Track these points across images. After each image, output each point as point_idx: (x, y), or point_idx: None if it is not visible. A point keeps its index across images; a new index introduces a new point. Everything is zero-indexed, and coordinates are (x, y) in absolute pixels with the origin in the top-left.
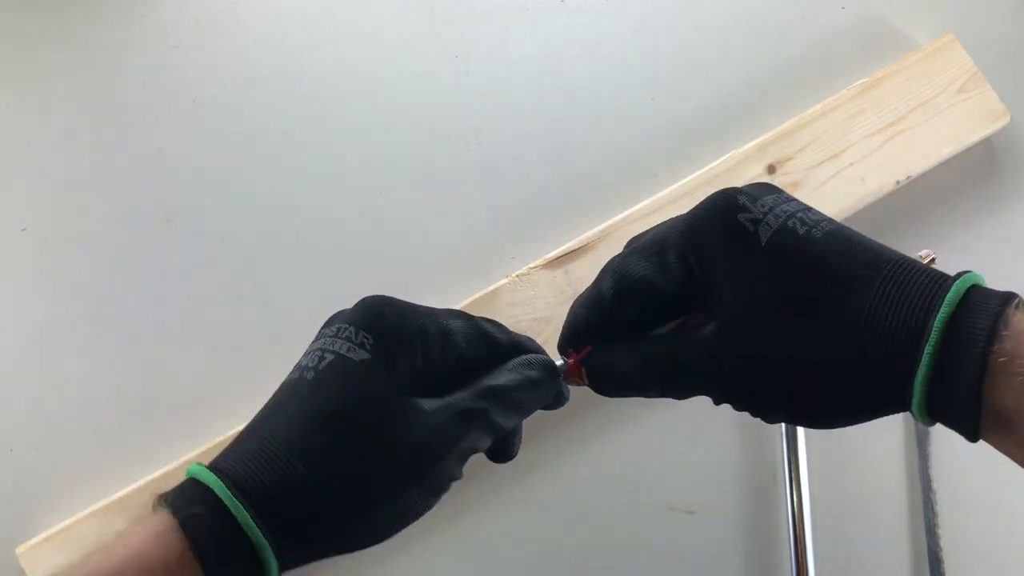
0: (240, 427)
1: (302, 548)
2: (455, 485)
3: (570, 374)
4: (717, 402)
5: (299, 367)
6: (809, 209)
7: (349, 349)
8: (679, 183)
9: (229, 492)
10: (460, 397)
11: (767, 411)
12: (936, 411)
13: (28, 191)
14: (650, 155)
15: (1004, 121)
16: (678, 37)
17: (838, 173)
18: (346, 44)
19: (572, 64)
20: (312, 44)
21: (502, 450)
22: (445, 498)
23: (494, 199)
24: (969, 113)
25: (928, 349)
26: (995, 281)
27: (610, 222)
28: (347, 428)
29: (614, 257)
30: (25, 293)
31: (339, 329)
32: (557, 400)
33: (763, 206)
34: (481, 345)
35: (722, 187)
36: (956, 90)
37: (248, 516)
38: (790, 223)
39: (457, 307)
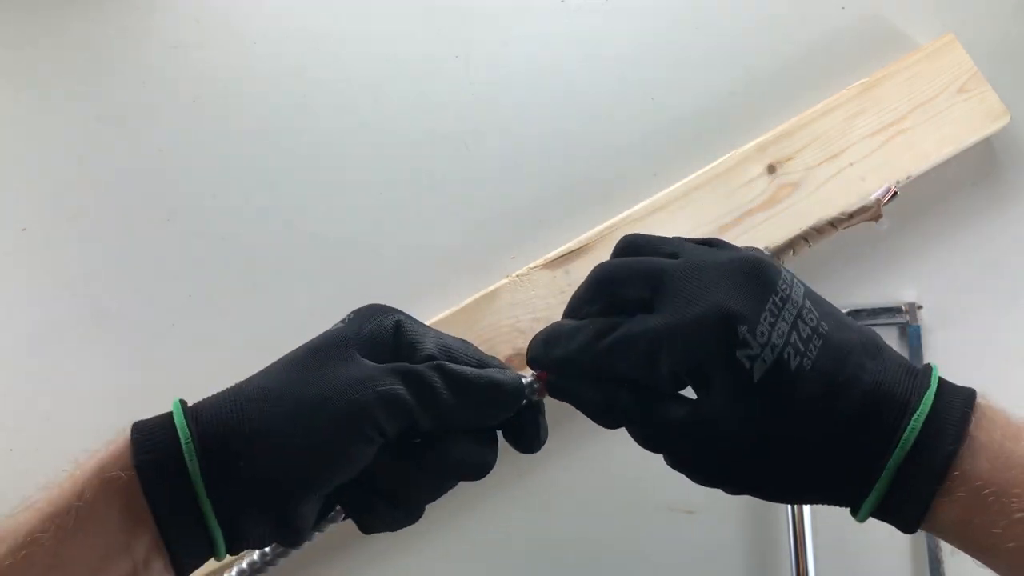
0: None
1: (228, 463)
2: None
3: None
4: (669, 464)
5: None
6: (803, 316)
7: (335, 324)
8: (679, 183)
9: (181, 410)
10: (405, 363)
11: (724, 485)
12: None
13: (28, 191)
14: (650, 155)
15: (1004, 121)
16: (678, 37)
17: (838, 173)
18: (346, 44)
19: (572, 64)
20: (312, 44)
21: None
22: (444, 496)
23: (494, 199)
24: (969, 113)
25: (873, 496)
26: (995, 281)
27: (610, 222)
28: (294, 366)
29: (601, 275)
30: (25, 293)
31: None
32: (524, 434)
33: (762, 337)
34: (447, 352)
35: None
36: (956, 90)
37: (183, 419)
38: (785, 355)
39: (457, 307)
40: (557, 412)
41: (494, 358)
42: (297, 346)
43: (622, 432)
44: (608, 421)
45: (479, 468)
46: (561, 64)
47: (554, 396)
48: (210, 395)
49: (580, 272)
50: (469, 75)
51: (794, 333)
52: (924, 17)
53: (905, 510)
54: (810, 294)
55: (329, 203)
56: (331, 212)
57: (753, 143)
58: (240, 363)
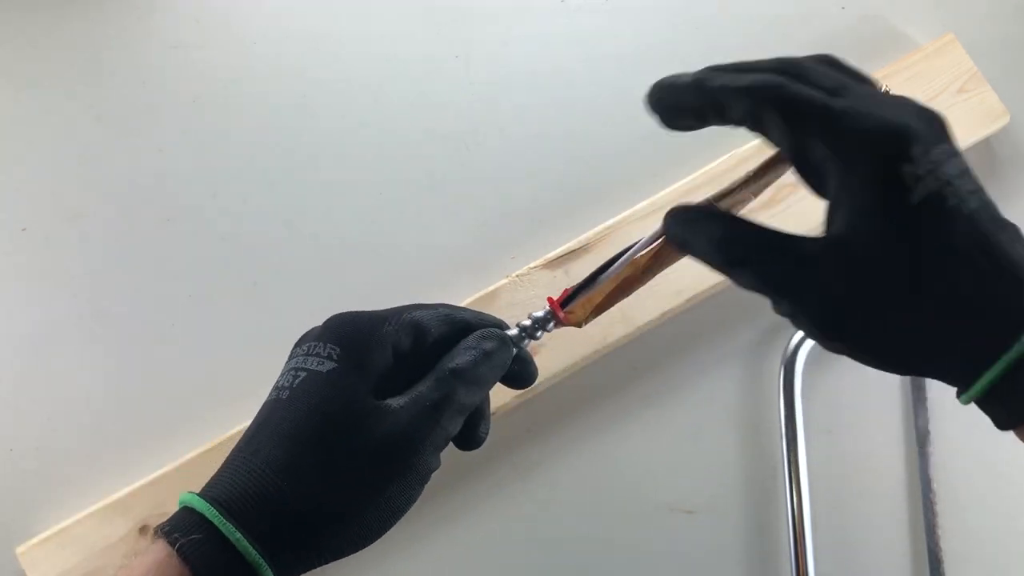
0: (240, 427)
1: (298, 562)
2: (437, 476)
3: (560, 312)
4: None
5: (276, 388)
6: (969, 173)
7: (319, 363)
8: (679, 183)
9: (222, 517)
10: (425, 387)
11: (848, 339)
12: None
13: (28, 191)
14: (650, 155)
15: (1004, 121)
16: (678, 37)
17: None
18: (346, 44)
19: (572, 64)
20: (312, 44)
21: (468, 436)
22: (444, 497)
23: (494, 199)
24: (969, 113)
25: (986, 377)
26: None
27: (610, 222)
28: (323, 437)
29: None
30: (25, 293)
31: (309, 347)
32: (520, 377)
33: (932, 164)
34: (444, 324)
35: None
36: (956, 90)
37: (242, 537)
38: (947, 191)
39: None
40: (557, 412)
41: (455, 309)
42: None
43: (622, 431)
44: (728, 255)
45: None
46: (561, 64)
47: (672, 240)
48: (250, 500)
49: (580, 272)
50: (469, 75)
51: (961, 180)
52: (924, 17)
53: (1009, 402)
54: None
55: (329, 203)
56: (331, 212)
57: (753, 143)
58: (240, 363)
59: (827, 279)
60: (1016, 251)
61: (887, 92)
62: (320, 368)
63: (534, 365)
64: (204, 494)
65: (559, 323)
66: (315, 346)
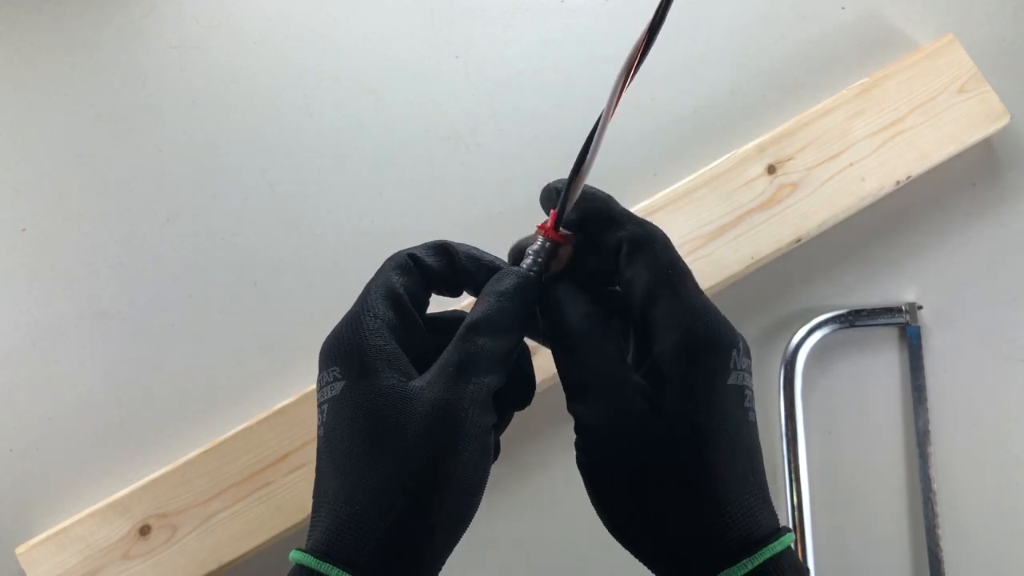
0: (241, 427)
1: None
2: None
3: (555, 235)
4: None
5: (317, 429)
6: (752, 394)
7: (331, 390)
8: (679, 183)
9: (318, 560)
10: (447, 352)
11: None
12: None
13: (28, 191)
14: (650, 155)
15: (1004, 121)
16: (678, 37)
17: (838, 173)
18: (346, 44)
19: (572, 64)
20: (312, 44)
21: (515, 395)
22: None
23: (494, 199)
24: (969, 113)
25: None
26: (995, 281)
27: None
28: (366, 448)
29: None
30: (25, 293)
31: (319, 380)
32: (518, 396)
33: (742, 364)
34: (448, 273)
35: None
36: (956, 90)
37: (340, 572)
38: (745, 392)
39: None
40: (558, 412)
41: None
42: (300, 351)
43: None
44: (561, 344)
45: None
46: (561, 64)
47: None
48: (335, 540)
49: None
50: (469, 75)
51: (749, 392)
52: (924, 17)
53: None
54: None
55: (329, 203)
56: (331, 212)
57: (753, 143)
58: (240, 363)
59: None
60: (758, 474)
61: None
62: (334, 393)
63: (531, 387)
64: (312, 550)
65: (560, 246)
66: (322, 377)
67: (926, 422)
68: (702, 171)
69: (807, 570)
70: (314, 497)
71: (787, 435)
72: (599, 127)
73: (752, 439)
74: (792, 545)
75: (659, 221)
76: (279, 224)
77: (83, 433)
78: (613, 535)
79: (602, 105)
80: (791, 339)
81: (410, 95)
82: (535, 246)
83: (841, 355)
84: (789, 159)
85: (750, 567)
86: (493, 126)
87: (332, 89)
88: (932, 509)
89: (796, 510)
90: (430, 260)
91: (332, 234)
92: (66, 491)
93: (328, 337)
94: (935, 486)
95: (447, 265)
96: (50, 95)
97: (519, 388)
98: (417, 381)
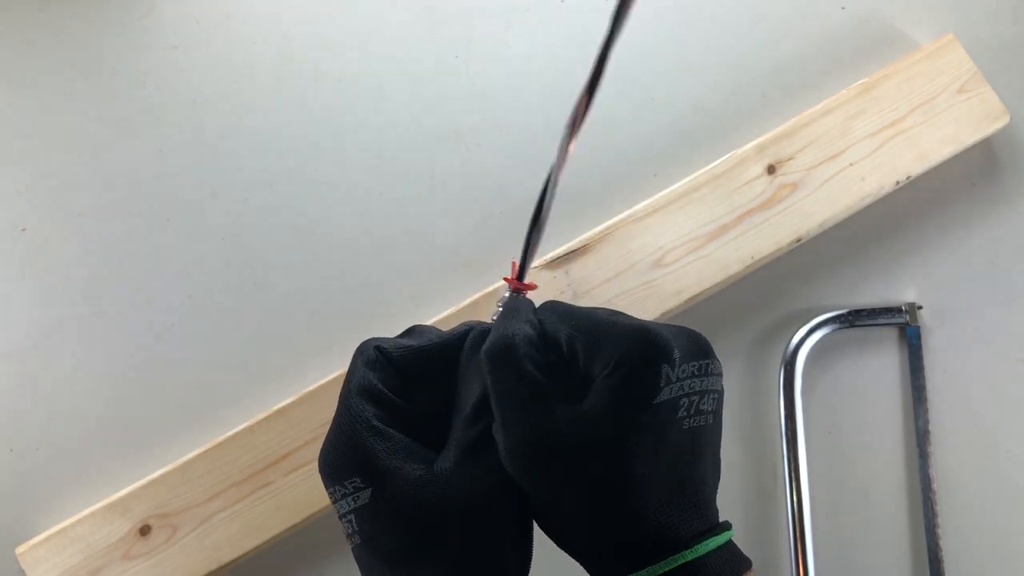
0: (241, 427)
1: None
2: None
3: (520, 284)
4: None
5: (348, 537)
6: (705, 395)
7: (356, 500)
8: (679, 183)
9: None
10: (456, 438)
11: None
12: None
13: (28, 191)
14: (650, 155)
15: (1004, 121)
16: (678, 37)
17: (838, 173)
18: (346, 44)
19: (572, 64)
20: (312, 44)
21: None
22: None
23: (494, 199)
24: (969, 113)
25: None
26: (995, 281)
27: (610, 222)
28: (423, 550)
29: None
30: (25, 293)
31: (336, 493)
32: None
33: (681, 373)
34: (416, 360)
35: (722, 187)
36: (956, 90)
37: None
38: (680, 403)
39: (458, 307)
40: None
41: (425, 329)
42: (300, 351)
43: None
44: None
45: None
46: (561, 64)
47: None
48: None
49: (580, 272)
50: (469, 75)
51: (694, 398)
52: (924, 17)
53: None
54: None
55: (329, 203)
56: (331, 212)
57: (753, 143)
58: (240, 363)
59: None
60: (711, 487)
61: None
62: (362, 502)
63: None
64: None
65: (522, 294)
66: (336, 490)
67: (926, 422)
68: (702, 171)
69: (747, 560)
70: None
71: (787, 435)
72: (551, 181)
73: (682, 449)
74: (730, 540)
75: (659, 221)
76: (279, 224)
77: (83, 433)
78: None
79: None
80: (791, 339)
81: (410, 95)
82: (504, 298)
83: (841, 355)
84: (789, 159)
85: (663, 569)
86: (493, 126)
87: (332, 89)
88: (932, 509)
89: (796, 510)
90: (396, 351)
91: (332, 234)
92: (66, 491)
93: (325, 451)
94: (935, 486)
95: (415, 352)
96: (50, 95)
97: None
98: (442, 463)
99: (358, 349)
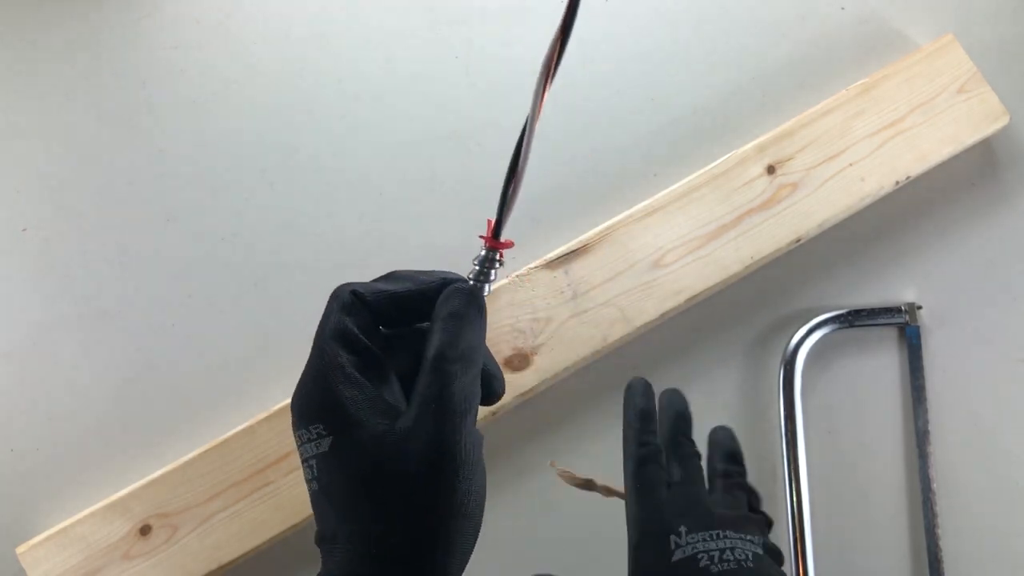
0: (241, 427)
1: None
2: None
3: (495, 243)
4: None
5: (307, 482)
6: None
7: (318, 447)
8: (679, 183)
9: None
10: (421, 387)
11: None
12: None
13: (28, 191)
14: (650, 155)
15: (1004, 121)
16: (678, 38)
17: (838, 173)
18: (346, 44)
19: (572, 64)
20: (312, 44)
21: (485, 396)
22: None
23: (494, 199)
24: (969, 113)
25: None
26: (995, 281)
27: (610, 222)
28: (372, 494)
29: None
30: (25, 293)
31: (301, 437)
32: (486, 395)
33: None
34: (392, 307)
35: (722, 187)
36: (956, 90)
37: None
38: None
39: None
40: (558, 412)
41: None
42: (300, 351)
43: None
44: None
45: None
46: (561, 64)
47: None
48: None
49: (580, 272)
50: (469, 75)
51: (725, 552)
52: (924, 17)
53: None
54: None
55: (329, 203)
56: (331, 212)
57: (753, 143)
58: (240, 363)
59: None
60: None
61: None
62: (322, 449)
63: (501, 380)
64: None
65: (498, 252)
66: (302, 434)
67: (926, 422)
68: (702, 171)
69: None
70: (319, 542)
71: (787, 435)
72: (527, 129)
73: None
74: None
75: (659, 221)
76: (279, 224)
77: (83, 433)
78: None
79: (602, 105)
80: (791, 339)
81: (410, 95)
82: (480, 256)
83: (841, 355)
84: (789, 159)
85: None
86: (493, 126)
87: (332, 89)
88: (932, 509)
89: (796, 510)
90: (372, 296)
91: (332, 234)
92: (66, 491)
93: (296, 394)
94: (935, 486)
95: (390, 297)
96: (50, 95)
97: (486, 385)
98: (403, 421)
99: (333, 293)
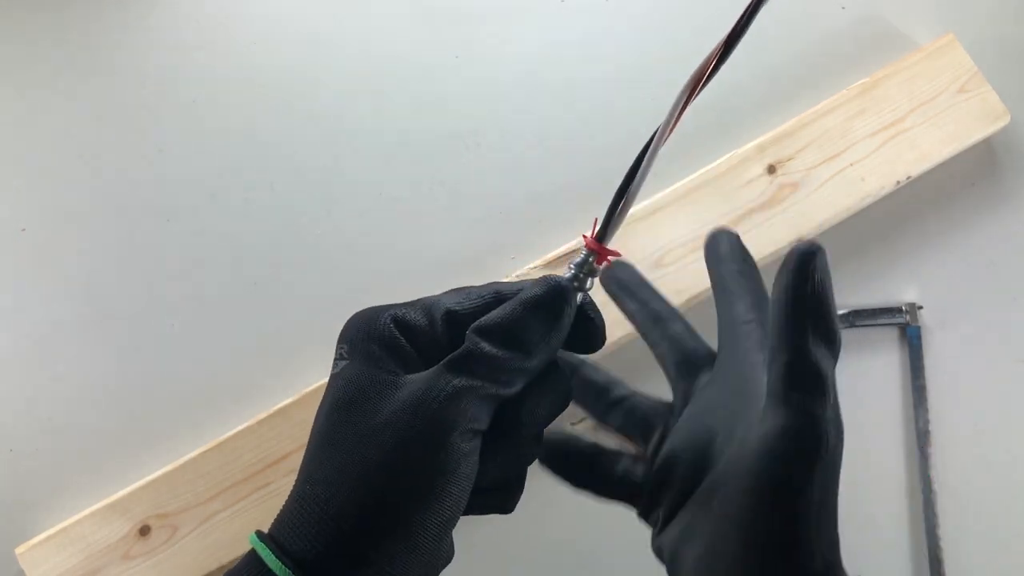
0: (241, 427)
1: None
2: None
3: (601, 247)
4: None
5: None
6: None
7: (335, 368)
8: (679, 183)
9: (264, 546)
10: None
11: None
12: None
13: (28, 191)
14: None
15: (1004, 121)
16: (678, 37)
17: (838, 173)
18: (346, 44)
19: (572, 64)
20: (312, 44)
21: (584, 335)
22: None
23: (494, 199)
24: (969, 113)
25: None
26: (995, 281)
27: None
28: (339, 430)
29: None
30: (25, 293)
31: (335, 355)
32: (585, 336)
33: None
34: (464, 297)
35: (722, 187)
36: (956, 90)
37: (282, 565)
38: None
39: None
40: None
41: (495, 284)
42: (300, 351)
43: None
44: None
45: (566, 398)
46: (561, 64)
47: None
48: (292, 528)
49: None
50: (469, 75)
51: None
52: (924, 17)
53: None
54: None
55: (329, 203)
56: (331, 212)
57: (753, 143)
58: (240, 363)
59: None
60: None
61: None
62: (336, 370)
63: (602, 321)
64: (261, 532)
65: (598, 259)
66: (336, 352)
67: (926, 422)
68: (702, 171)
69: None
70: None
71: None
72: (656, 139)
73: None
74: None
75: (659, 221)
76: (279, 224)
77: (83, 433)
78: None
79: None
80: None
81: (410, 95)
82: (578, 259)
83: (841, 355)
84: (789, 159)
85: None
86: (493, 126)
87: (332, 89)
88: (932, 509)
89: None
90: (473, 302)
91: (332, 234)
92: (66, 491)
93: (358, 312)
94: (935, 486)
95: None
96: (50, 95)
97: (582, 330)
98: (412, 375)
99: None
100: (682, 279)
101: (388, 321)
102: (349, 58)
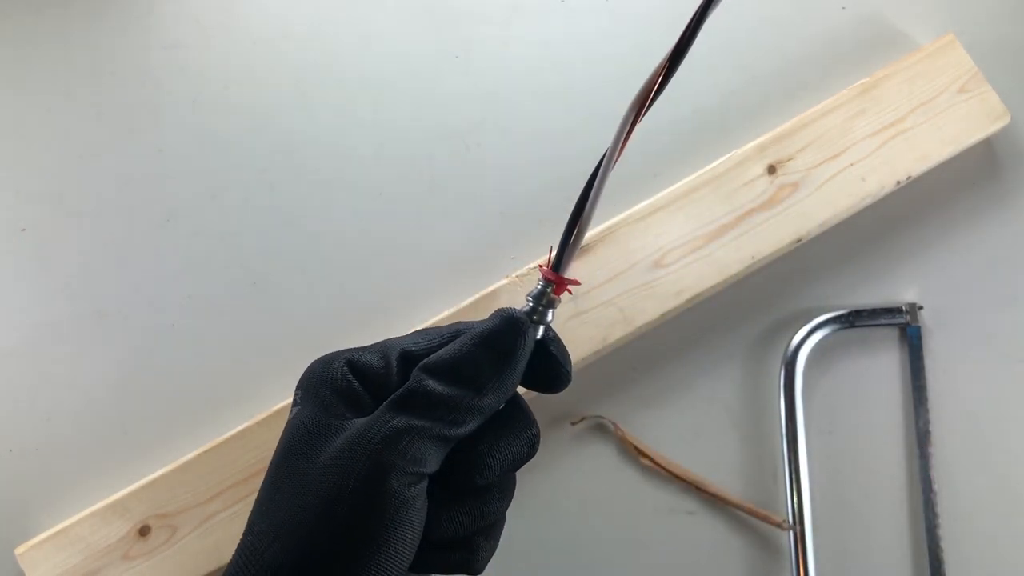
0: (241, 427)
1: None
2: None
3: (558, 277)
4: None
5: None
6: None
7: (290, 415)
8: (679, 183)
9: None
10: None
11: None
12: None
13: (28, 191)
14: (650, 155)
15: (1004, 121)
16: (678, 37)
17: (838, 173)
18: (346, 44)
19: (572, 64)
20: (312, 44)
21: (545, 372)
22: None
23: (494, 199)
24: (969, 113)
25: None
26: (995, 281)
27: (610, 222)
28: (280, 474)
29: None
30: (25, 293)
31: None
32: (547, 375)
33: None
34: (424, 337)
35: (722, 187)
36: (956, 90)
37: None
38: None
39: (457, 308)
40: (557, 413)
41: (459, 323)
42: (300, 351)
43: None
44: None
45: (531, 445)
46: (561, 64)
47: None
48: (232, 574)
49: (579, 273)
50: (469, 75)
51: None
52: (924, 17)
53: None
54: None
55: (329, 203)
56: (331, 212)
57: (753, 143)
58: (240, 363)
59: None
60: None
61: None
62: (289, 417)
63: (566, 357)
64: None
65: (556, 288)
66: (292, 399)
67: (926, 422)
68: (702, 171)
69: None
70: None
71: (787, 435)
72: (604, 163)
73: None
74: None
75: (659, 221)
76: (279, 224)
77: (83, 433)
78: None
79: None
80: (791, 339)
81: (410, 95)
82: (535, 291)
83: (841, 355)
84: (789, 159)
85: None
86: (493, 126)
87: (332, 89)
88: (932, 509)
89: (796, 510)
90: (432, 342)
91: (332, 234)
92: (66, 491)
93: (312, 362)
94: (935, 486)
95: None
96: (50, 95)
97: (543, 367)
98: (360, 419)
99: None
100: (682, 279)
101: (342, 365)
102: (349, 58)
